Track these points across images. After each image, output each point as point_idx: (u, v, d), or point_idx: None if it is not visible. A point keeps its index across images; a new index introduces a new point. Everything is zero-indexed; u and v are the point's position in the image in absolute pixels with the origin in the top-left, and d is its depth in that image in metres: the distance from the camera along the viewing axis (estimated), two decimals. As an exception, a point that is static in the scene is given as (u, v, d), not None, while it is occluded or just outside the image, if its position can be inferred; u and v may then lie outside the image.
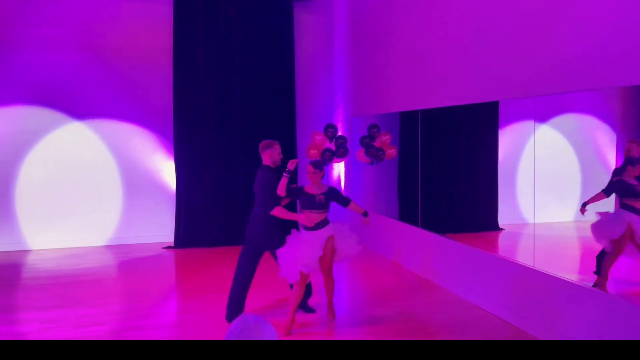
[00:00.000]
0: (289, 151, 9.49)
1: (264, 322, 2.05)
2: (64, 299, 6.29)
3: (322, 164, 5.90)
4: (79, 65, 8.87)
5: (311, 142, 9.41)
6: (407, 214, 7.66)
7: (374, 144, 7.99)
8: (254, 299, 6.16)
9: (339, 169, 10.12)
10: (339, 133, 9.61)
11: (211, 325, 5.40)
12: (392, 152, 8.14)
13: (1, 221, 8.63)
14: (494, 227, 6.15)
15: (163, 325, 5.48)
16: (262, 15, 9.30)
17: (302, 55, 9.88)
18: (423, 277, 7.04)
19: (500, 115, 5.88)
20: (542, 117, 5.11)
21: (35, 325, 5.45)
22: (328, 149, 9.30)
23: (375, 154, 7.96)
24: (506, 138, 5.90)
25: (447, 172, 6.88)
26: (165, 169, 9.32)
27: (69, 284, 6.87)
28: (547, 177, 5.12)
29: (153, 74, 9.18)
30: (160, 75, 9.17)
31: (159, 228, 9.26)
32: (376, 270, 7.51)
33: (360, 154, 8.48)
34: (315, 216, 5.31)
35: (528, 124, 5.17)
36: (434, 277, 6.81)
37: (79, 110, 8.92)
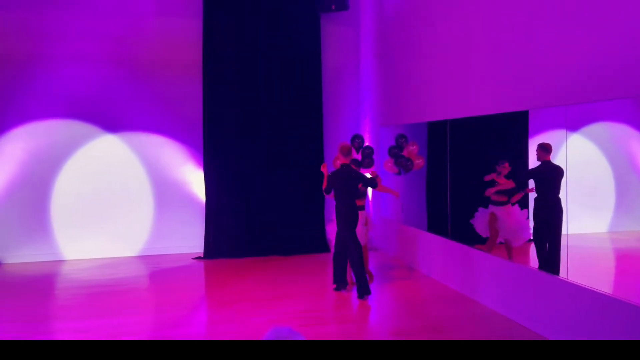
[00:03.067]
0: (316, 161, 9.54)
1: (295, 333, 2.14)
2: (97, 308, 6.42)
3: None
4: (112, 80, 9.11)
5: (338, 153, 9.45)
6: (436, 225, 7.59)
7: (402, 154, 7.96)
8: (279, 309, 6.17)
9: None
10: (366, 143, 9.61)
11: (241, 336, 5.43)
12: (419, 162, 8.10)
13: (37, 232, 8.87)
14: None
15: (193, 336, 5.54)
16: (289, 28, 9.40)
17: (328, 67, 9.94)
18: (453, 288, 6.96)
19: (530, 124, 5.80)
20: (573, 125, 5.02)
21: (68, 335, 5.57)
22: (354, 160, 9.30)
23: (404, 164, 7.93)
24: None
25: (476, 182, 6.80)
26: (194, 181, 9.46)
27: (102, 294, 7.01)
28: (580, 187, 5.02)
29: (183, 87, 9.36)
30: (190, 88, 9.34)
31: (189, 239, 9.39)
32: (405, 281, 7.46)
33: (388, 164, 8.46)
34: None
35: (559, 133, 5.09)
36: (464, 289, 6.72)
37: (111, 123, 9.14)
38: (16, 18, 8.71)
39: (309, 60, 9.55)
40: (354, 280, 6.89)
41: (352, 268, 6.60)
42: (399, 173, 8.59)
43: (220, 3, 9.18)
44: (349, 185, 6.62)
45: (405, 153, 8.26)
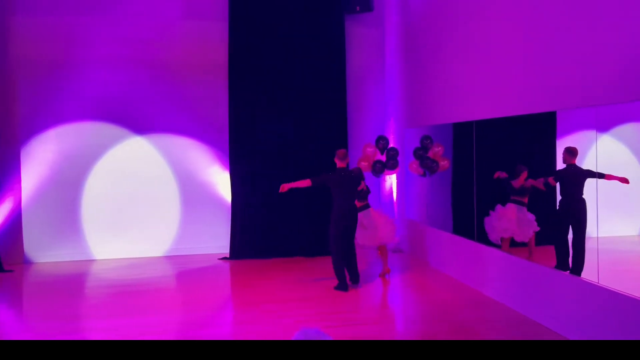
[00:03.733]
0: (341, 163, 9.56)
1: (323, 334, 2.18)
2: (125, 307, 6.53)
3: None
4: (141, 82, 9.27)
5: (362, 154, 9.44)
6: (462, 227, 7.54)
7: (427, 155, 7.93)
8: (305, 310, 6.20)
9: (390, 180, 10.08)
10: (390, 145, 9.59)
11: (267, 337, 5.46)
12: (445, 163, 8.06)
13: (68, 232, 9.07)
14: (552, 241, 5.97)
15: (219, 336, 5.60)
16: (314, 29, 9.44)
17: (353, 68, 9.95)
18: (479, 291, 6.90)
19: (558, 124, 5.72)
20: (603, 126, 4.94)
21: (97, 334, 5.69)
22: (379, 161, 9.28)
23: (429, 166, 7.90)
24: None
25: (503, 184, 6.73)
26: (220, 182, 9.56)
27: (130, 293, 7.13)
28: (610, 189, 4.93)
29: (210, 89, 9.47)
30: (216, 90, 9.45)
31: (215, 239, 9.49)
32: (430, 284, 7.42)
33: (413, 165, 8.44)
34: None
35: (588, 134, 5.01)
36: (491, 292, 6.66)
37: (140, 125, 9.30)
38: (49, 24, 8.93)
39: (334, 61, 9.57)
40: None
41: (351, 260, 7.18)
42: (424, 175, 8.55)
43: (246, 5, 9.27)
44: (352, 186, 7.15)
45: (430, 154, 8.23)
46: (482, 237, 6.90)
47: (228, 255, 9.23)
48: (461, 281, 7.38)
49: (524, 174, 6.22)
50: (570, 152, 5.38)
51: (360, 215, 7.44)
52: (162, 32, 9.33)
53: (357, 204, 7.40)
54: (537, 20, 5.74)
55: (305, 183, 7.09)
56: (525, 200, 6.30)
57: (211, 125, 9.51)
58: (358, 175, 7.23)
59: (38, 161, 8.96)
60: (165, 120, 9.37)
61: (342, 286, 7.06)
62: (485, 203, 6.91)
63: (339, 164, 7.17)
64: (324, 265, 8.45)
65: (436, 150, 8.19)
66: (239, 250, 9.18)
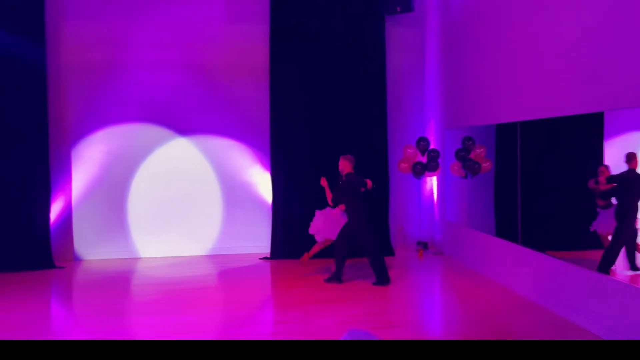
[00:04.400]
0: (381, 164, 9.54)
1: (370, 335, 2.24)
2: (169, 305, 6.71)
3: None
4: (184, 85, 9.49)
5: (403, 155, 9.41)
6: (505, 230, 7.42)
7: (469, 157, 7.84)
8: (346, 311, 6.22)
9: (431, 182, 10.00)
10: (431, 146, 9.52)
11: (308, 337, 5.52)
12: (487, 165, 7.95)
13: (115, 230, 9.37)
14: (600, 245, 5.81)
15: (259, 335, 5.68)
16: (354, 31, 9.45)
17: (393, 68, 9.91)
18: (522, 295, 6.77)
19: (605, 125, 5.57)
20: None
21: (144, 330, 5.87)
22: (419, 162, 9.24)
23: (471, 167, 7.81)
24: (614, 150, 5.57)
25: (548, 186, 6.59)
26: (262, 182, 9.69)
27: (173, 291, 7.31)
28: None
29: (251, 91, 9.61)
30: (257, 92, 9.58)
31: (256, 239, 9.63)
32: (471, 286, 7.33)
33: (454, 167, 8.35)
34: None
35: (637, 135, 4.86)
36: (535, 296, 6.53)
37: (183, 126, 9.52)
38: (98, 29, 9.23)
39: (374, 62, 9.56)
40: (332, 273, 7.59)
41: (374, 263, 7.37)
42: (465, 176, 8.46)
43: (287, 8, 9.36)
44: (360, 190, 7.45)
45: (472, 156, 8.13)
46: (527, 240, 6.78)
47: (269, 255, 9.35)
48: (503, 284, 7.26)
49: (605, 175, 6.01)
50: (631, 157, 5.27)
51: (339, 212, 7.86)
52: (205, 35, 9.52)
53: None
54: (586, 18, 5.60)
55: (329, 196, 7.58)
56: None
57: (253, 127, 9.65)
58: (362, 180, 7.54)
59: (87, 161, 9.29)
60: (208, 122, 9.56)
61: (337, 278, 7.45)
62: (531, 206, 6.78)
63: (349, 169, 7.46)
64: (364, 267, 8.46)
65: (478, 152, 8.09)
66: (279, 250, 9.28)
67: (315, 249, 8.14)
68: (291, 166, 9.35)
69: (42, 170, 8.74)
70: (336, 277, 7.52)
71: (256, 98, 9.58)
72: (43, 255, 8.67)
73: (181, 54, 9.46)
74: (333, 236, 7.93)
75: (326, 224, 7.97)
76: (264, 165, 9.67)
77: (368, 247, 7.41)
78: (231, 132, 9.62)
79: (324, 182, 7.63)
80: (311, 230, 8.12)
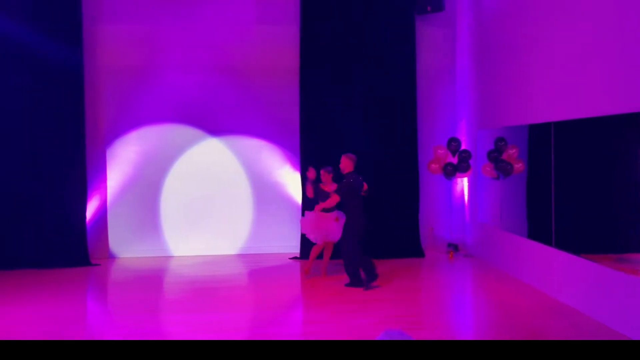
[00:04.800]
0: (410, 165, 9.49)
1: (405, 334, 2.26)
2: (200, 303, 6.81)
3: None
4: (216, 86, 9.61)
5: (433, 156, 9.34)
6: (538, 232, 7.30)
7: (502, 158, 7.74)
8: (376, 312, 6.22)
9: (462, 183, 9.90)
10: (462, 147, 9.43)
11: (336, 337, 5.54)
12: (519, 166, 7.84)
13: (148, 229, 9.55)
14: (638, 248, 5.67)
15: (289, 335, 5.71)
16: (385, 31, 9.42)
17: (423, 68, 9.85)
18: (555, 298, 6.66)
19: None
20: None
21: (175, 328, 5.97)
22: (450, 164, 9.15)
23: (504, 168, 7.71)
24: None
25: (584, 188, 6.46)
26: (291, 183, 9.75)
27: (205, 290, 7.42)
28: None
29: (281, 92, 9.68)
30: (288, 93, 9.63)
31: (286, 239, 9.68)
32: (503, 289, 7.23)
33: (486, 168, 8.26)
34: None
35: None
36: (569, 299, 6.41)
37: (215, 127, 9.64)
38: (132, 32, 9.43)
39: (404, 62, 9.52)
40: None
41: (367, 259, 7.30)
42: (497, 178, 8.35)
43: (317, 9, 9.39)
44: (360, 191, 7.36)
45: (504, 157, 8.03)
46: (561, 243, 6.66)
47: (298, 255, 9.40)
48: (536, 287, 7.14)
49: None
50: None
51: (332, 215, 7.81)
52: (237, 37, 9.62)
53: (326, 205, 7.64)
54: (624, 15, 5.47)
55: (335, 199, 7.43)
56: None
57: (283, 128, 9.71)
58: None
59: (122, 161, 9.49)
60: (239, 123, 9.67)
61: (358, 282, 7.28)
62: (565, 208, 6.66)
63: (351, 168, 7.37)
64: (393, 268, 8.45)
65: (511, 153, 7.98)
66: (309, 250, 9.29)
67: (312, 255, 8.01)
68: (321, 166, 9.35)
69: (79, 170, 8.97)
70: (358, 283, 7.31)
71: (286, 99, 9.64)
72: (79, 253, 8.90)
73: (213, 56, 9.58)
74: (322, 239, 7.85)
75: (315, 225, 7.83)
76: (293, 165, 9.73)
77: (347, 248, 7.32)
78: (261, 133, 9.71)
79: (311, 173, 7.72)
80: (303, 230, 8.11)
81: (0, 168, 8.70)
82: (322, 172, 7.89)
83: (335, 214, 7.87)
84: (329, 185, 7.84)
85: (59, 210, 8.85)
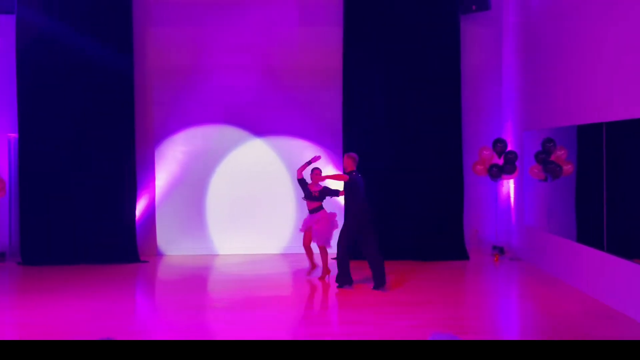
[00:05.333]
0: (455, 166, 9.36)
1: (453, 336, 2.28)
2: (244, 301, 6.92)
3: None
4: (260, 87, 9.76)
5: (478, 157, 9.21)
6: (588, 236, 7.10)
7: (550, 159, 7.58)
8: (421, 314, 6.18)
9: (507, 185, 9.72)
10: (509, 148, 9.26)
11: (378, 336, 5.53)
12: (568, 168, 7.65)
13: (194, 227, 9.78)
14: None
15: (331, 335, 5.74)
16: (429, 31, 9.35)
17: (468, 68, 9.71)
18: (606, 304, 6.46)
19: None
20: None
21: (219, 325, 6.10)
22: (495, 165, 9.01)
23: (553, 170, 7.54)
24: None
25: (637, 190, 6.25)
26: (334, 183, 9.77)
27: (249, 288, 7.52)
28: None
29: (324, 92, 9.74)
30: (330, 93, 9.68)
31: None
32: (551, 294, 7.06)
33: (534, 170, 8.10)
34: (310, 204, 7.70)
35: None
36: (621, 305, 6.21)
37: (259, 128, 9.79)
38: (180, 34, 9.69)
39: (448, 62, 9.42)
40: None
41: (374, 262, 7.20)
42: (545, 179, 8.18)
43: (361, 9, 9.40)
44: (362, 189, 7.31)
45: (553, 158, 7.85)
46: (613, 247, 6.46)
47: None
48: (586, 293, 6.95)
49: None
50: None
51: (316, 216, 7.71)
52: (280, 39, 9.74)
53: (313, 205, 7.69)
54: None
55: (343, 177, 7.41)
56: None
57: (325, 128, 9.77)
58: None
59: (169, 161, 9.76)
60: (283, 123, 9.78)
61: (345, 280, 7.28)
62: (617, 211, 6.45)
63: (352, 166, 7.38)
64: (436, 270, 8.38)
65: (559, 154, 7.80)
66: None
67: (324, 262, 7.89)
68: (363, 167, 9.30)
69: (129, 170, 9.27)
70: (344, 280, 7.33)
71: (329, 99, 9.70)
72: (129, 250, 9.19)
73: (257, 57, 9.73)
74: (322, 240, 7.79)
75: (316, 224, 7.76)
76: (336, 166, 9.77)
77: (369, 247, 7.26)
78: (304, 134, 9.80)
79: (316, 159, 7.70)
80: (302, 229, 7.99)
81: (55, 168, 9.07)
82: (315, 171, 7.82)
83: (323, 213, 7.75)
84: (316, 186, 7.81)
85: (110, 208, 9.16)
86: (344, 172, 7.54)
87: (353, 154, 7.56)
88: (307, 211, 7.89)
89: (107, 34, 9.19)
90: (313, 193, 7.72)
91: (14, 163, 9.37)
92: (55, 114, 9.08)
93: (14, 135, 9.33)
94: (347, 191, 7.44)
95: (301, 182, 7.80)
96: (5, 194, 9.01)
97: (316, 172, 7.80)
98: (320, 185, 7.84)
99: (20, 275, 8.55)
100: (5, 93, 9.38)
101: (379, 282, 7.20)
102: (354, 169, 7.43)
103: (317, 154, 7.93)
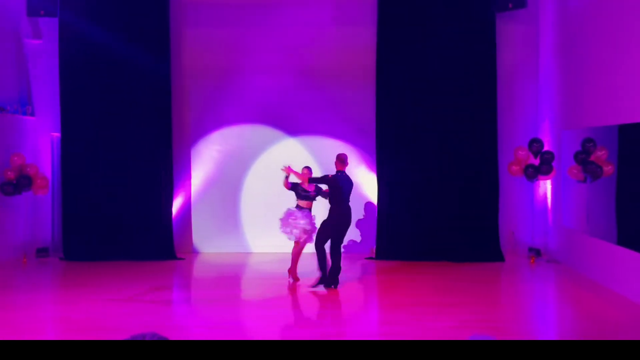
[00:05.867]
0: (490, 166, 9.26)
1: (492, 337, 2.28)
2: (278, 299, 7.02)
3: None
4: (294, 87, 9.83)
5: (514, 158, 9.07)
6: (630, 238, 6.92)
7: (590, 159, 7.41)
8: (455, 316, 6.14)
9: (544, 186, 9.55)
10: (545, 148, 9.09)
11: (415, 337, 5.51)
12: (609, 168, 7.47)
13: (229, 225, 9.92)
14: None
15: (366, 335, 5.75)
16: (464, 30, 9.25)
17: (504, 67, 9.57)
18: (648, 310, 6.29)
19: None
20: None
21: (253, 322, 6.19)
22: (531, 165, 8.86)
23: (593, 171, 7.38)
24: None
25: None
26: (367, 183, 9.79)
27: (282, 286, 7.60)
28: None
29: (357, 92, 9.75)
30: (364, 93, 9.68)
31: (362, 239, 9.74)
32: (590, 298, 6.92)
33: (573, 170, 7.94)
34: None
35: None
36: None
37: (293, 127, 9.87)
38: (215, 35, 9.83)
39: (484, 61, 9.31)
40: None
41: (336, 259, 7.33)
42: (584, 180, 8.00)
43: (395, 9, 9.36)
44: (349, 189, 7.43)
45: (593, 158, 7.68)
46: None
47: (374, 255, 9.42)
48: (627, 297, 6.78)
49: None
50: None
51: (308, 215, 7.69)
52: (314, 39, 9.79)
53: (310, 204, 7.70)
54: None
55: (302, 177, 7.56)
56: None
57: (359, 128, 9.78)
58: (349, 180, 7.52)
59: (205, 160, 9.93)
60: (316, 123, 9.83)
61: (324, 280, 7.31)
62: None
63: (340, 166, 7.50)
64: (471, 272, 8.30)
65: (599, 154, 7.62)
66: (384, 250, 9.33)
67: (294, 261, 7.84)
68: (397, 166, 9.35)
69: (166, 169, 9.47)
70: (325, 279, 7.34)
71: (362, 99, 9.70)
72: (166, 247, 9.39)
73: (291, 57, 9.80)
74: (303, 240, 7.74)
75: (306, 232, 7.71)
76: (369, 165, 9.77)
77: (337, 249, 7.34)
78: (338, 133, 9.82)
79: (288, 169, 7.64)
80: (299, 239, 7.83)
81: (95, 167, 9.33)
82: (304, 170, 7.80)
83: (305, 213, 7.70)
84: (309, 186, 7.77)
85: (148, 206, 9.37)
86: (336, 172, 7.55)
87: (341, 154, 7.67)
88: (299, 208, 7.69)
89: (145, 36, 9.40)
90: (310, 193, 7.72)
91: (57, 162, 9.69)
92: (95, 114, 9.35)
93: (57, 134, 9.65)
94: (330, 191, 7.53)
95: (293, 188, 7.76)
96: (48, 191, 9.33)
97: (304, 171, 7.78)
98: (313, 185, 7.81)
99: (62, 270, 8.84)
100: (49, 94, 9.70)
101: (333, 281, 7.31)
102: (342, 169, 7.53)
103: (287, 164, 7.80)
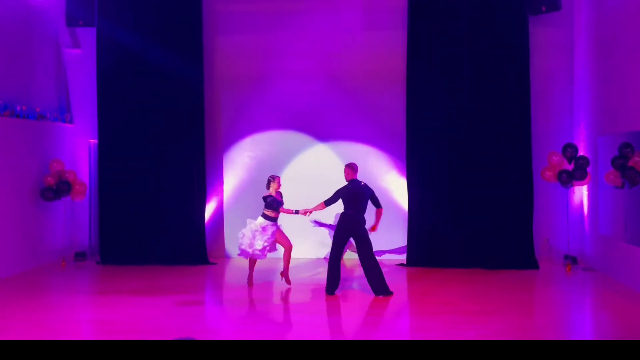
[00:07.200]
0: (524, 172, 9.10)
1: None
2: (309, 305, 7.05)
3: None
4: (324, 93, 9.88)
5: (547, 163, 8.91)
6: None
7: (628, 165, 7.24)
8: (489, 324, 6.05)
9: (580, 192, 9.34)
10: (580, 153, 8.91)
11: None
12: (648, 174, 7.28)
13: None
14: None
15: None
16: (496, 33, 9.16)
17: (537, 71, 9.43)
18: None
19: None
20: None
21: (286, 327, 6.20)
22: (565, 171, 8.68)
23: (631, 177, 7.20)
24: None
25: None
26: (397, 189, 9.74)
27: (314, 292, 7.64)
28: None
29: (387, 97, 9.73)
30: (394, 98, 9.65)
31: (393, 245, 9.69)
32: (628, 307, 6.73)
33: (610, 176, 7.76)
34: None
35: None
36: None
37: (323, 133, 9.91)
38: (245, 42, 9.96)
39: (517, 65, 9.18)
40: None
41: (371, 271, 7.27)
42: (622, 186, 7.81)
43: (426, 13, 9.31)
44: (362, 197, 7.38)
45: (631, 164, 7.49)
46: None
47: (405, 262, 9.37)
48: (668, 307, 6.59)
49: None
50: None
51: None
52: (344, 44, 9.82)
53: (274, 214, 7.79)
54: None
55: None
56: None
57: (389, 133, 9.76)
58: (365, 188, 7.49)
59: (237, 166, 10.04)
60: (346, 128, 9.85)
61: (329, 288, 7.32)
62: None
63: (352, 175, 7.50)
64: (504, 279, 8.18)
65: (638, 160, 7.43)
66: (415, 257, 9.26)
67: (285, 264, 7.96)
68: (427, 172, 9.28)
69: (199, 174, 9.61)
70: (332, 288, 7.37)
71: (393, 104, 9.68)
72: (199, 252, 9.51)
73: (321, 63, 9.85)
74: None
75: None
76: (400, 171, 9.72)
77: (362, 255, 7.33)
78: (368, 139, 9.82)
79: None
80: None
81: (131, 173, 9.52)
82: (277, 179, 7.93)
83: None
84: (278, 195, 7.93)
85: (181, 212, 9.52)
86: (346, 181, 7.58)
87: (351, 163, 7.67)
88: (271, 220, 7.89)
89: (179, 44, 9.58)
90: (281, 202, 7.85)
91: (94, 167, 9.94)
92: (131, 121, 9.55)
93: (94, 140, 9.90)
94: (343, 199, 7.53)
95: (273, 202, 7.87)
96: (86, 196, 9.58)
97: (278, 179, 7.94)
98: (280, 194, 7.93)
99: (98, 274, 9.04)
100: (87, 102, 9.98)
101: (381, 290, 7.24)
102: (354, 177, 7.54)
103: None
